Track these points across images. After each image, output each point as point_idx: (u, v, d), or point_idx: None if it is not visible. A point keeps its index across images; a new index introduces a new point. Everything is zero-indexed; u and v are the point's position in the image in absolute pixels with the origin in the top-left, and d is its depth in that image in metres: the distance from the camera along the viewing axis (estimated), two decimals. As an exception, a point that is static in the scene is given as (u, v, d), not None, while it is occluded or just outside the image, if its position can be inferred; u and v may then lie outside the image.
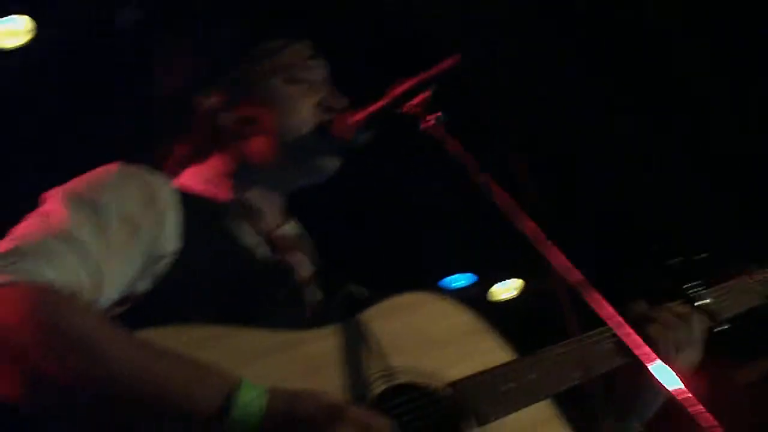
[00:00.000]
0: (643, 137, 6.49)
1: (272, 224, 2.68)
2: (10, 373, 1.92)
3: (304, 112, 2.69)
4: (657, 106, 6.22)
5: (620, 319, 2.11)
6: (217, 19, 3.00)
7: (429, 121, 2.42)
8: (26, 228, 2.18)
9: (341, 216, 5.97)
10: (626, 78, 6.00)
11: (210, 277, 2.34)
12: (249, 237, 2.56)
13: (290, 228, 2.76)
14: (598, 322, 2.13)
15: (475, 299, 2.60)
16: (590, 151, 6.52)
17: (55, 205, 2.22)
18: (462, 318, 2.59)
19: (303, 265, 2.67)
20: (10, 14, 5.04)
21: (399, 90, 2.51)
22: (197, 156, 2.71)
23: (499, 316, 2.64)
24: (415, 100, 2.46)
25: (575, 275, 2.09)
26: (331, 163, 2.72)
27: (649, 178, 6.85)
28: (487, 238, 6.59)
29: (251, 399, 1.96)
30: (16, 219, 2.23)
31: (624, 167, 6.73)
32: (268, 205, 2.69)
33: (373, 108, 2.58)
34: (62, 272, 2.07)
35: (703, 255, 2.96)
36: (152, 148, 2.80)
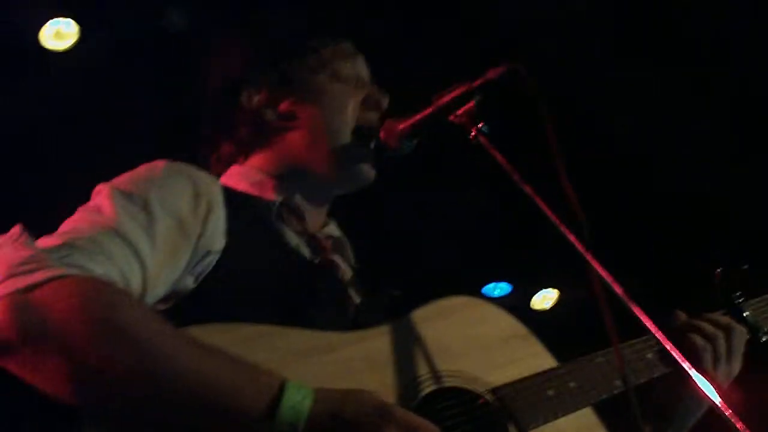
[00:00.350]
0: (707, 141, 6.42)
1: (314, 226, 2.71)
2: (59, 368, 1.93)
3: (348, 109, 2.73)
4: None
5: (661, 329, 2.10)
6: (264, 17, 3.03)
7: (473, 131, 2.43)
8: (76, 223, 2.20)
9: (380, 222, 5.97)
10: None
11: (255, 276, 2.36)
12: (292, 237, 2.60)
13: (331, 230, 2.78)
14: (638, 331, 2.13)
15: (515, 308, 2.61)
16: (633, 153, 6.50)
17: (103, 200, 2.24)
18: (505, 323, 2.61)
19: (343, 268, 2.69)
20: (58, 17, 5.08)
21: (444, 99, 2.53)
22: (241, 152, 2.75)
23: (538, 324, 2.65)
24: (461, 110, 2.48)
25: (615, 284, 2.09)
26: (371, 172, 2.75)
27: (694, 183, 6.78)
28: (524, 248, 6.64)
29: (298, 400, 1.97)
30: (64, 216, 2.26)
31: (665, 168, 6.67)
32: (310, 207, 2.71)
33: (418, 116, 2.60)
34: (111, 267, 2.09)
35: (745, 266, 2.95)
36: (198, 147, 2.86)
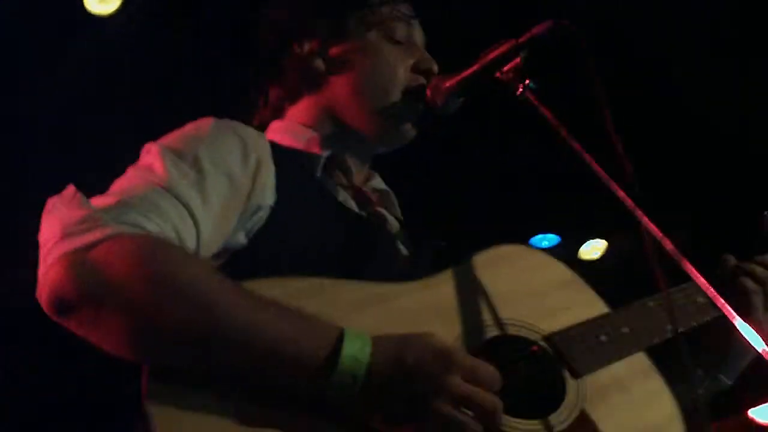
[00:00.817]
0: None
1: (359, 180, 2.74)
2: (120, 325, 1.95)
3: (397, 71, 2.73)
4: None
5: (710, 275, 2.10)
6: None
7: (520, 87, 2.43)
8: (127, 182, 2.22)
9: (426, 175, 5.98)
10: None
11: (306, 231, 2.37)
12: (339, 191, 2.62)
13: (376, 184, 2.80)
14: (688, 278, 2.13)
15: (563, 258, 2.62)
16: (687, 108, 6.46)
17: (153, 159, 2.25)
18: (557, 271, 2.61)
19: (390, 220, 2.71)
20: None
21: (490, 56, 2.52)
22: (288, 98, 2.79)
23: (587, 274, 2.65)
24: (507, 66, 2.47)
25: (665, 238, 2.09)
26: (411, 132, 2.76)
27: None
28: (572, 199, 6.61)
29: (358, 348, 1.97)
30: (111, 179, 2.27)
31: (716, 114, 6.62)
32: (354, 162, 2.73)
33: (465, 74, 2.60)
34: (165, 225, 2.11)
35: None
36: (244, 101, 2.89)
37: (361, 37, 2.76)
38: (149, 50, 5.40)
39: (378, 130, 2.73)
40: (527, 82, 2.43)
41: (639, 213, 2.12)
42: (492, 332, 2.32)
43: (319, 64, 2.75)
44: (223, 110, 2.54)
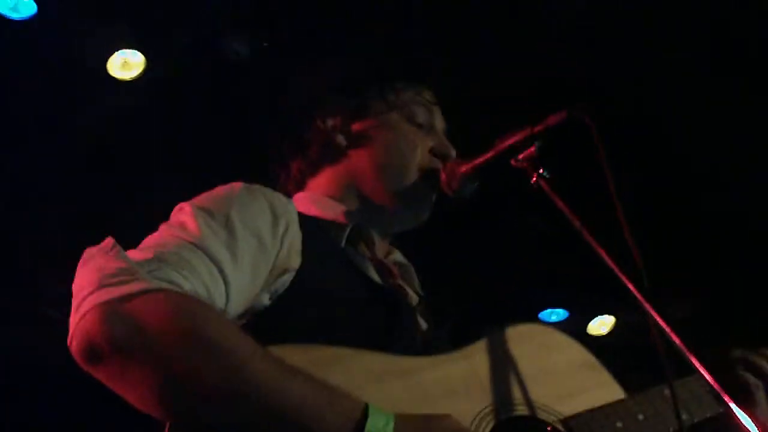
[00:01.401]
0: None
1: (381, 253, 2.77)
2: (148, 379, 1.96)
3: (415, 150, 2.78)
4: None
5: (713, 365, 2.12)
6: (345, 48, 3.10)
7: (534, 176, 2.47)
8: (162, 238, 2.24)
9: (440, 254, 6.01)
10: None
11: (329, 297, 2.39)
12: (362, 262, 2.65)
13: (396, 257, 2.83)
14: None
15: (574, 334, 2.65)
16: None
17: (186, 217, 2.28)
18: (576, 352, 2.63)
19: (410, 294, 2.73)
20: (125, 48, 5.20)
21: (505, 143, 2.57)
22: (310, 172, 2.84)
23: (596, 350, 2.67)
24: (522, 155, 2.52)
25: (672, 332, 2.12)
26: (425, 214, 2.81)
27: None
28: (580, 275, 6.63)
29: (381, 426, 1.99)
30: (131, 237, 2.28)
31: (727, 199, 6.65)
32: (377, 234, 2.76)
33: (479, 160, 2.65)
34: (197, 282, 2.12)
35: None
36: (266, 168, 2.94)
37: (382, 116, 2.83)
38: (169, 115, 5.47)
39: (395, 207, 2.77)
40: (541, 171, 2.47)
41: (647, 306, 2.14)
42: (508, 413, 2.34)
43: (341, 139, 2.81)
44: (241, 175, 2.58)
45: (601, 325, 8.03)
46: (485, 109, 5.09)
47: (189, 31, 5.24)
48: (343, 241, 2.63)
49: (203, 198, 2.38)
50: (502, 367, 2.42)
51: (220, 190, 2.41)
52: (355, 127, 2.83)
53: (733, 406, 2.04)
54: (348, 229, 2.65)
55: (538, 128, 2.51)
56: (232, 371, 1.95)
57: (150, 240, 2.25)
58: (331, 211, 2.72)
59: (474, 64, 5.41)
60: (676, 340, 2.07)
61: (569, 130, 2.47)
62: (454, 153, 2.82)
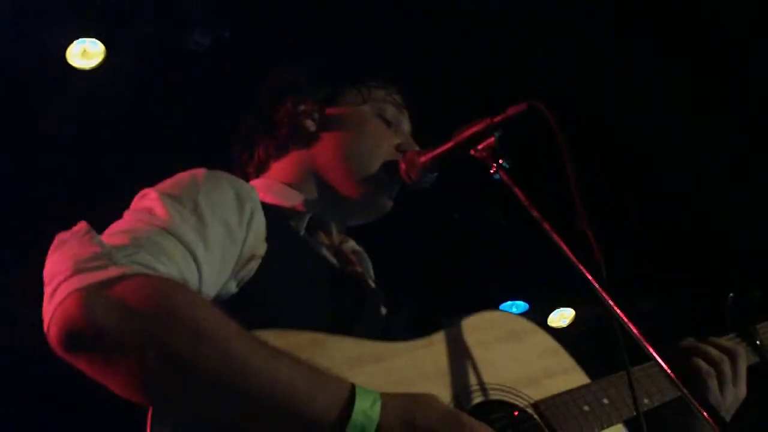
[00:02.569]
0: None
1: (337, 239, 2.78)
2: (133, 365, 1.92)
3: (381, 143, 2.80)
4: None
5: (667, 353, 2.13)
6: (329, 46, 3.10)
7: (493, 166, 2.47)
8: (131, 224, 2.20)
9: (398, 243, 6.03)
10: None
11: (293, 283, 2.39)
12: (321, 248, 2.66)
13: (352, 245, 2.85)
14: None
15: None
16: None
17: (153, 203, 2.25)
18: (540, 338, 2.67)
19: (367, 280, 2.75)
20: (85, 37, 5.16)
21: (465, 134, 2.57)
22: (275, 153, 2.84)
23: (559, 343, 2.70)
24: (481, 145, 2.52)
25: (630, 322, 2.13)
26: (388, 204, 2.82)
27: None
28: (540, 268, 6.67)
29: (368, 405, 1.99)
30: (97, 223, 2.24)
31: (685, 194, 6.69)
32: (334, 223, 2.78)
33: (439, 150, 2.65)
34: (172, 267, 2.10)
35: (757, 291, 2.98)
36: (229, 152, 2.95)
37: (352, 107, 2.84)
38: (130, 104, 5.45)
39: (356, 196, 2.78)
40: (501, 161, 2.47)
41: (606, 297, 2.15)
42: (481, 397, 2.37)
43: (310, 123, 2.83)
44: (205, 165, 2.58)
45: (562, 317, 8.08)
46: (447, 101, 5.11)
47: (149, 20, 5.22)
48: (303, 229, 2.63)
49: (168, 184, 2.36)
50: (471, 353, 2.45)
51: (184, 176, 2.39)
52: (325, 113, 2.84)
53: (685, 391, 2.06)
54: (307, 218, 2.65)
55: (497, 119, 2.52)
56: (219, 353, 1.94)
57: (118, 226, 2.21)
58: (289, 199, 2.72)
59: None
60: (634, 330, 2.09)
61: (529, 121, 2.48)
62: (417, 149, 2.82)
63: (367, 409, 1.99)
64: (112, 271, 1.97)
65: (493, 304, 7.54)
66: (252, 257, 2.33)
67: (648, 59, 5.66)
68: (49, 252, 2.10)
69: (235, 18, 5.34)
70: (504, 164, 2.47)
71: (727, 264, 6.84)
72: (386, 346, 2.34)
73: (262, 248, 2.36)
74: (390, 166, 2.76)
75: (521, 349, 2.59)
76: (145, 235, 2.13)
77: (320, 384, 2.00)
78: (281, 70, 2.97)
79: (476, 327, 2.52)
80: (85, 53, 5.18)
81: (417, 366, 2.33)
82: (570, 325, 8.07)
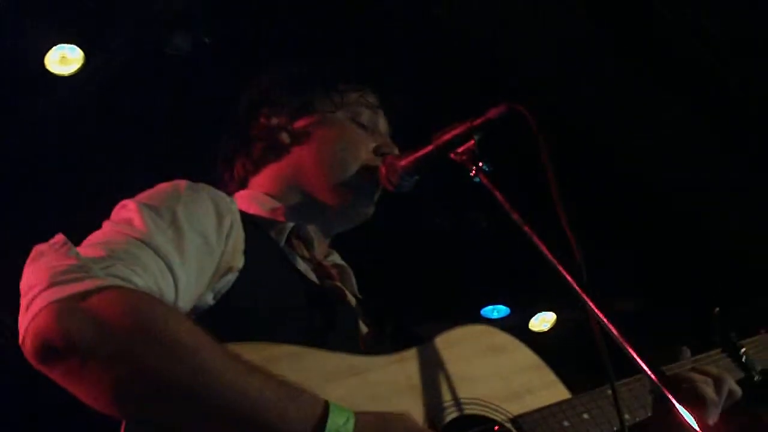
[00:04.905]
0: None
1: (320, 254, 2.76)
2: (105, 377, 1.93)
3: (359, 148, 2.79)
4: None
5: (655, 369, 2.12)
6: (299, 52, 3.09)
7: (473, 169, 2.47)
8: (109, 235, 2.21)
9: (380, 251, 6.03)
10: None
11: (271, 297, 2.39)
12: (300, 263, 2.64)
13: (335, 259, 2.83)
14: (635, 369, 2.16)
15: (516, 330, 2.68)
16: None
17: (132, 214, 2.25)
18: (521, 353, 2.67)
19: (348, 295, 2.73)
20: (64, 43, 5.13)
21: (445, 137, 2.57)
22: (253, 170, 2.83)
23: (540, 347, 2.70)
24: (461, 148, 2.52)
25: (612, 326, 2.12)
26: (370, 209, 2.81)
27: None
28: (521, 272, 6.68)
29: (342, 423, 2.00)
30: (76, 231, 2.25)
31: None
32: (317, 235, 2.75)
33: (419, 153, 2.65)
34: (149, 279, 2.10)
35: (742, 306, 2.99)
36: (209, 166, 2.94)
37: (327, 115, 2.83)
38: (107, 110, 5.42)
39: (337, 203, 2.76)
40: (480, 164, 2.47)
41: (587, 299, 2.15)
42: (458, 412, 2.37)
43: (285, 137, 2.81)
44: (180, 173, 2.56)
45: (543, 321, 8.08)
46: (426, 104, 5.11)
47: (129, 26, 5.20)
48: (283, 241, 2.62)
49: (147, 195, 2.36)
50: (450, 367, 2.45)
51: (165, 187, 2.39)
52: (299, 124, 2.82)
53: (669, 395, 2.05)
54: (288, 229, 2.65)
55: (477, 121, 2.51)
56: (191, 367, 1.95)
57: (96, 237, 2.22)
58: (271, 209, 2.72)
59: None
60: (615, 332, 2.08)
61: (509, 124, 2.48)
62: (396, 151, 2.81)
63: (340, 426, 1.99)
64: (88, 284, 1.98)
65: (475, 309, 7.56)
66: (229, 269, 2.33)
67: (628, 58, 5.67)
68: (26, 263, 2.10)
69: (215, 23, 5.32)
70: (484, 167, 2.47)
71: (711, 265, 6.85)
72: (362, 360, 2.33)
73: (240, 261, 2.35)
74: (369, 171, 2.75)
75: (502, 364, 2.58)
76: (123, 247, 2.13)
77: (293, 400, 2.00)
78: (254, 83, 2.96)
79: (457, 341, 2.53)
80: (64, 59, 5.16)
81: (392, 381, 2.33)
82: (551, 329, 8.07)
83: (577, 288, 2.16)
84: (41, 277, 2.01)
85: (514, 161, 3.14)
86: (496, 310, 7.78)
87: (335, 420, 1.99)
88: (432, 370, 2.41)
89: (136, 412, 1.98)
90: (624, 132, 6.14)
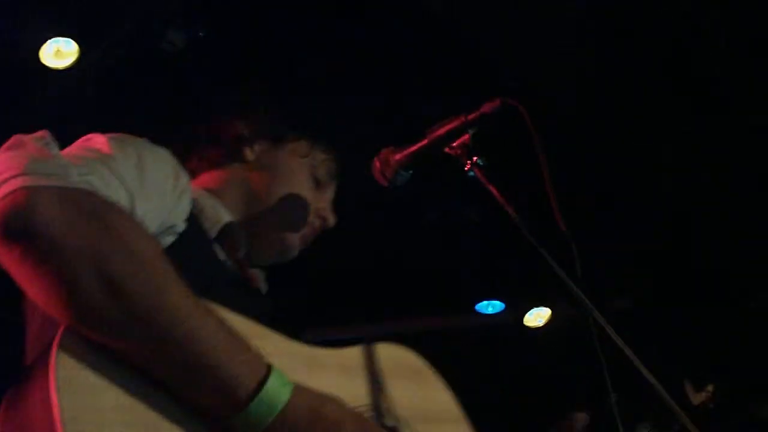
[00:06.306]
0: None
1: (244, 259, 2.72)
2: (63, 271, 1.88)
3: (308, 204, 2.79)
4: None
5: None
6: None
7: (468, 163, 2.48)
8: (81, 152, 2.17)
9: (382, 243, 6.03)
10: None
11: (199, 276, 2.22)
12: (221, 254, 2.60)
13: (259, 273, 2.81)
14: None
15: (511, 325, 2.66)
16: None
17: (100, 143, 2.22)
18: (445, 402, 2.61)
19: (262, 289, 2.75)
20: (59, 36, 5.13)
21: (440, 131, 2.58)
22: (207, 167, 2.80)
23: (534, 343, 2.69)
24: (456, 142, 2.53)
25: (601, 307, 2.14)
26: (294, 252, 2.82)
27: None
28: (514, 268, 6.69)
29: (280, 384, 1.98)
30: None
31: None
32: (244, 242, 2.71)
33: (414, 148, 2.65)
34: (109, 190, 2.07)
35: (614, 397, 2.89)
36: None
37: (294, 157, 2.81)
38: (104, 104, 5.42)
39: (265, 241, 2.77)
40: (475, 159, 2.47)
41: (581, 295, 2.15)
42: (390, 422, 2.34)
43: (249, 153, 2.79)
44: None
45: (538, 317, 8.09)
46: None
47: (125, 19, 5.19)
48: (214, 233, 2.60)
49: (115, 135, 2.30)
50: (374, 382, 2.40)
51: (130, 136, 2.34)
52: (266, 150, 2.81)
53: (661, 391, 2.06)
54: (221, 224, 2.63)
55: (472, 116, 2.53)
56: (156, 285, 1.92)
57: (65, 153, 2.15)
58: (209, 203, 2.68)
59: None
60: (608, 329, 2.09)
61: (504, 119, 2.48)
62: (333, 223, 2.84)
63: (279, 388, 1.97)
64: (66, 183, 1.96)
65: (469, 304, 7.56)
66: (171, 229, 2.30)
67: (621, 52, 5.68)
68: (2, 148, 2.06)
69: (210, 18, 5.32)
70: (479, 162, 2.47)
71: (703, 264, 6.87)
72: (288, 345, 2.30)
73: (181, 226, 2.33)
74: (302, 240, 2.79)
75: (420, 391, 2.53)
76: (96, 165, 2.10)
77: (242, 352, 1.97)
78: (243, 88, 2.95)
79: (382, 360, 2.46)
80: (59, 53, 5.15)
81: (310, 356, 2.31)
82: (546, 325, 8.07)
83: (571, 284, 2.16)
84: (19, 162, 1.96)
85: (509, 156, 3.13)
86: (491, 306, 7.79)
87: (275, 381, 1.97)
88: (357, 379, 2.38)
89: (83, 315, 1.91)
90: (620, 126, 6.14)
